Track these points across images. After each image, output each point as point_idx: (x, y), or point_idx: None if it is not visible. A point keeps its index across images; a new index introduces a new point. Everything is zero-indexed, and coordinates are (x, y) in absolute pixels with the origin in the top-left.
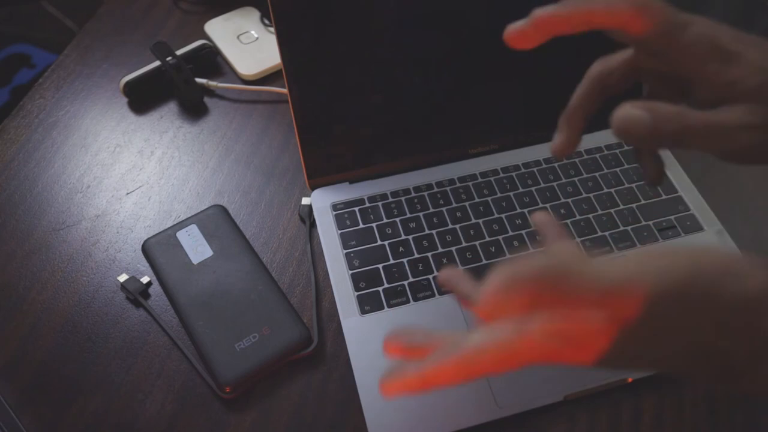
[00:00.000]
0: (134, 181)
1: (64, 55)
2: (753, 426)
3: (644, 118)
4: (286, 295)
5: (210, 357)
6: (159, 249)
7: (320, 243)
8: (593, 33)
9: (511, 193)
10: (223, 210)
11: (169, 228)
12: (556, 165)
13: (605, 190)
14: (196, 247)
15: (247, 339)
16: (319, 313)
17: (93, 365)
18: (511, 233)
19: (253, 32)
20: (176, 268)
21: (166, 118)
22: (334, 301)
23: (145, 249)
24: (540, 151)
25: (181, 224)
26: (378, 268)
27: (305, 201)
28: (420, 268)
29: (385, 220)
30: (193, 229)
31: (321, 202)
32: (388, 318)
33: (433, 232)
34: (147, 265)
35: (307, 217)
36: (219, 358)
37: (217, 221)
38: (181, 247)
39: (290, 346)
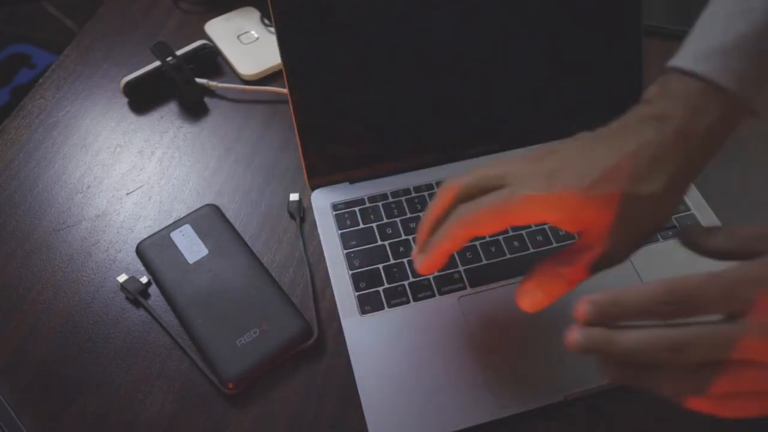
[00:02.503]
0: (134, 182)
1: (64, 55)
2: (755, 427)
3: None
4: (285, 291)
5: (212, 354)
6: (154, 250)
7: (320, 243)
8: (593, 34)
9: None
10: (215, 209)
11: (162, 229)
12: None
13: None
14: (191, 246)
15: (248, 335)
16: (319, 311)
17: (93, 365)
18: (511, 233)
19: (253, 32)
20: (173, 269)
21: (166, 119)
22: (335, 301)
23: (140, 251)
24: None
25: (175, 225)
26: (378, 268)
27: (293, 197)
28: None
29: (385, 220)
30: (187, 229)
31: (321, 202)
32: (388, 318)
33: None
34: None
35: (297, 213)
36: (221, 354)
37: (210, 220)
38: (176, 247)
39: (291, 339)
